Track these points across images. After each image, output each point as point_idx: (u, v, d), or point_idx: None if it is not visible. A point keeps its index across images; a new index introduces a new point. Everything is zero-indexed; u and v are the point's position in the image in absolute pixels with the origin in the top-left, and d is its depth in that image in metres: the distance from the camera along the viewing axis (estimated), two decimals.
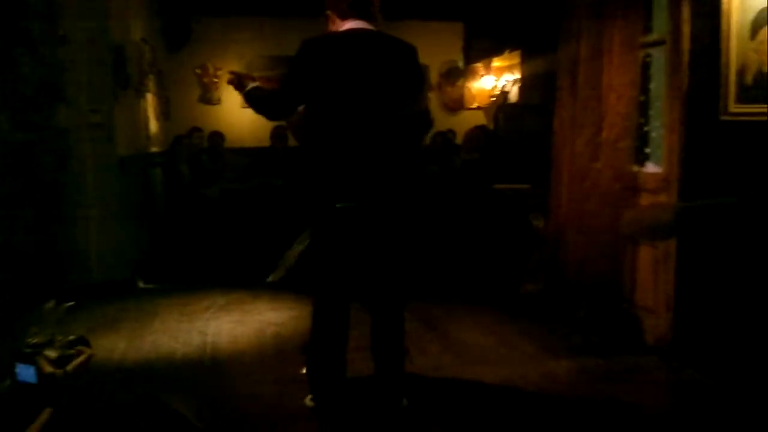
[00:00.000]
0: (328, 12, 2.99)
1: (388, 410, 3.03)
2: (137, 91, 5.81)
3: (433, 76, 9.03)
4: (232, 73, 3.17)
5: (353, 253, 2.95)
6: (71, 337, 2.59)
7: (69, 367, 2.43)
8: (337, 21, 2.96)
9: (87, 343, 2.65)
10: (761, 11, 3.10)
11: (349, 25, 2.93)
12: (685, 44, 3.65)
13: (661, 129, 4.11)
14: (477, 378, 3.45)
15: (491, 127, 7.40)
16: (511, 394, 3.27)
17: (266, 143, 7.01)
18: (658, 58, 4.18)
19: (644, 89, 4.34)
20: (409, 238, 3.07)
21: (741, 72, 3.23)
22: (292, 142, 7.19)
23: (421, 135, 3.48)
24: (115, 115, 4.99)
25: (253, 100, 3.05)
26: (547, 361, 3.70)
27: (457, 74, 9.03)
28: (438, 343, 4.04)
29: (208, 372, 3.56)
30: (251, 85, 3.06)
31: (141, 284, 5.37)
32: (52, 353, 2.42)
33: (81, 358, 2.51)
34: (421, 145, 2.89)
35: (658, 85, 4.27)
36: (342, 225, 2.87)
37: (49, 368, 2.35)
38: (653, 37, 4.17)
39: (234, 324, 4.33)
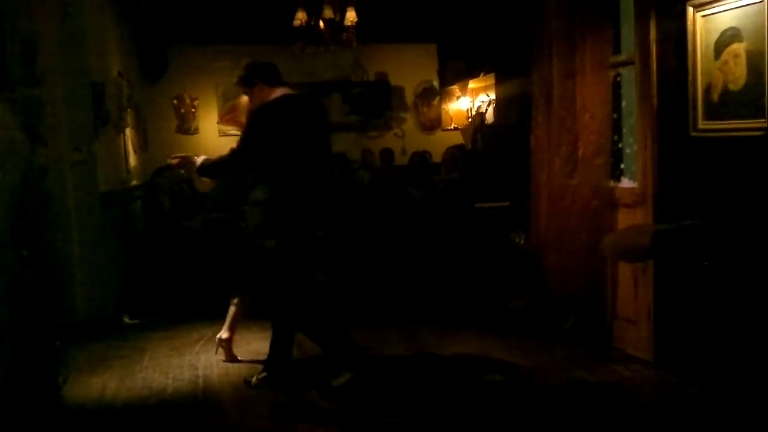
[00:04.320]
0: (256, 81, 3.60)
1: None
2: (116, 126, 5.82)
3: (409, 97, 9.16)
4: (175, 157, 3.77)
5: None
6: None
7: None
8: (266, 89, 3.59)
9: None
10: (724, 32, 3.23)
11: (281, 91, 3.58)
12: (654, 64, 3.78)
13: (634, 145, 4.23)
14: (452, 395, 3.52)
15: (468, 146, 7.53)
16: (502, 411, 3.32)
17: None
18: (628, 77, 4.31)
19: (617, 107, 4.47)
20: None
21: (708, 90, 3.36)
22: None
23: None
24: (96, 152, 5.00)
25: (211, 169, 3.71)
26: (535, 376, 3.77)
27: (432, 94, 9.16)
28: (426, 362, 4.09)
29: (201, 407, 3.56)
30: (200, 160, 3.66)
31: (127, 320, 5.35)
32: None
33: None
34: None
35: (629, 102, 4.40)
36: (317, 249, 3.63)
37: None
38: (622, 57, 4.30)
39: (224, 356, 4.33)
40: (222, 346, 4.24)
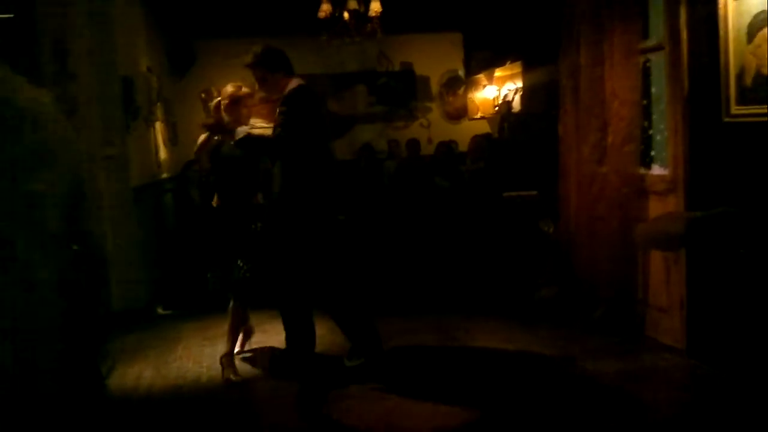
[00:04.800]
0: (276, 73, 3.66)
1: None
2: (146, 120, 5.91)
3: (434, 86, 9.12)
4: (205, 126, 3.93)
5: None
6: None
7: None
8: (283, 79, 3.67)
9: None
10: (757, 15, 3.17)
11: (297, 81, 3.69)
12: (684, 49, 3.72)
13: (665, 131, 4.17)
14: (496, 386, 3.51)
15: (495, 135, 7.49)
16: (534, 400, 3.32)
17: None
18: (658, 62, 4.25)
19: (646, 93, 4.41)
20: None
21: (740, 74, 3.30)
22: None
23: None
24: (127, 147, 5.09)
25: (253, 144, 3.70)
26: (566, 366, 3.76)
27: (458, 84, 9.12)
28: (456, 353, 4.10)
29: (236, 395, 3.62)
30: (242, 131, 3.67)
31: (160, 311, 5.45)
32: None
33: None
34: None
35: (659, 88, 4.34)
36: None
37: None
38: (652, 42, 4.24)
39: (255, 344, 4.39)
40: (222, 363, 3.81)
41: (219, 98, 3.94)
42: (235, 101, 3.83)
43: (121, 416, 3.33)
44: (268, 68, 3.65)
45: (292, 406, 3.41)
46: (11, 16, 4.43)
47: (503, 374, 3.71)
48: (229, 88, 3.87)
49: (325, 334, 4.17)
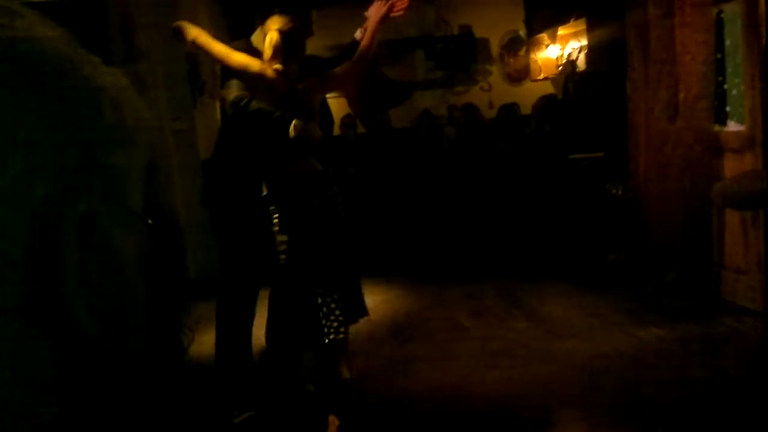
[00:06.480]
0: None
1: None
2: (212, 95, 6.04)
3: (494, 49, 8.94)
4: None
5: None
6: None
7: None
8: None
9: None
10: None
11: None
12: None
13: (741, 86, 3.99)
14: (567, 352, 3.49)
15: (560, 96, 7.31)
16: (605, 367, 3.28)
17: (335, 132, 7.13)
18: (732, 13, 4.04)
19: (719, 46, 4.20)
20: None
21: None
22: (361, 129, 7.33)
23: None
24: (195, 121, 5.22)
25: None
26: (638, 330, 3.70)
27: (519, 44, 8.90)
28: (524, 319, 4.08)
29: (307, 360, 3.72)
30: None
31: None
32: None
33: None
34: None
35: (734, 41, 4.13)
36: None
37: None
38: None
39: None
40: None
41: None
42: None
43: (199, 380, 3.48)
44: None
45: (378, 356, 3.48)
46: None
47: (575, 339, 3.68)
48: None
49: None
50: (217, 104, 6.28)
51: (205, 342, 4.11)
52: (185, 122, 5.13)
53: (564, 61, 7.53)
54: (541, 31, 8.20)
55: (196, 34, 3.01)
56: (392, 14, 3.11)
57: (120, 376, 0.54)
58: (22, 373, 0.47)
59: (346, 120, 6.91)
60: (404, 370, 3.42)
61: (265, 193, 2.95)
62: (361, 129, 7.28)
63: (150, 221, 0.62)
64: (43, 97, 0.47)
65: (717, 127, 4.14)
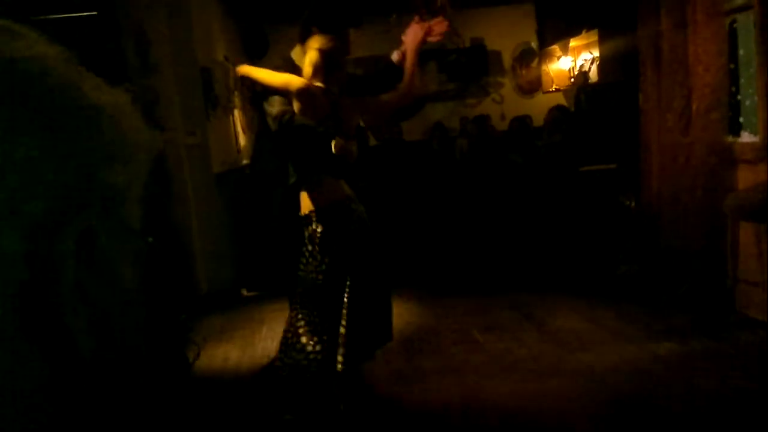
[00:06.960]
0: None
1: None
2: (225, 108, 6.08)
3: (506, 60, 8.94)
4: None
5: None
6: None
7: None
8: None
9: None
10: None
11: None
12: None
13: (755, 97, 3.96)
14: (579, 365, 3.46)
15: (572, 108, 7.30)
16: (618, 380, 3.25)
17: None
18: (746, 23, 4.03)
19: (733, 57, 4.19)
20: None
21: None
22: (373, 141, 7.35)
23: None
24: (208, 135, 5.26)
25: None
26: (650, 344, 3.66)
27: (531, 56, 8.90)
28: (536, 332, 4.06)
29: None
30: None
31: (245, 292, 5.64)
32: None
33: None
34: None
35: (747, 51, 4.12)
36: None
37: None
38: (738, 1, 4.02)
39: None
40: None
41: None
42: None
43: (210, 392, 3.49)
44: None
45: (377, 379, 3.48)
46: (95, 13, 4.64)
47: (587, 353, 3.64)
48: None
49: None
50: (230, 118, 6.33)
51: (217, 354, 4.12)
52: (199, 136, 5.17)
53: (576, 73, 7.52)
54: (553, 43, 8.21)
55: (246, 71, 3.18)
56: (429, 38, 3.13)
57: (118, 392, 0.54)
58: (19, 390, 0.47)
59: (358, 132, 6.92)
60: (415, 383, 3.41)
61: (303, 212, 2.99)
62: (372, 141, 7.30)
63: (150, 239, 0.62)
64: (41, 115, 0.48)
65: (731, 138, 4.11)
